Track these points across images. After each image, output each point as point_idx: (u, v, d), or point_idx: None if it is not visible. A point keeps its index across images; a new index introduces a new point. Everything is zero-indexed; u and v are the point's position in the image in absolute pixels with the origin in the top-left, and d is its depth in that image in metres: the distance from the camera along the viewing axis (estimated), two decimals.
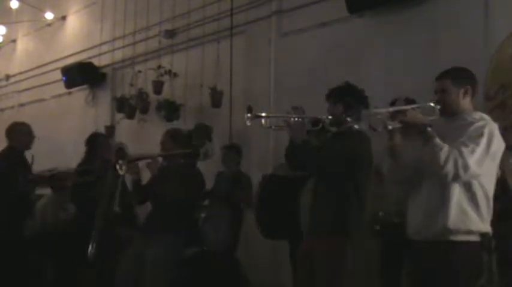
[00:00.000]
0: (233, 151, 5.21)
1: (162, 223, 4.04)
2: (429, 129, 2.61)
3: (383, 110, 2.76)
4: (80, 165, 5.24)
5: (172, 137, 4.30)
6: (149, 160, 4.10)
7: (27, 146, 5.22)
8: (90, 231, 4.50)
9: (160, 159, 4.24)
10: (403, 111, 2.68)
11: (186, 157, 4.24)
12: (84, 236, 4.50)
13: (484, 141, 2.55)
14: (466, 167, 2.50)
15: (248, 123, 3.01)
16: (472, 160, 2.51)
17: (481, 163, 2.54)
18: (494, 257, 3.35)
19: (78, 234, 4.69)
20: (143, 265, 3.97)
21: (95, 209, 4.61)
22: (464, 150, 2.52)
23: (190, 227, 4.40)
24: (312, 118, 3.28)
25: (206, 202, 5.25)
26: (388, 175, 3.01)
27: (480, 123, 2.62)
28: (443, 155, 2.52)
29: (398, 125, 2.71)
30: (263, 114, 3.09)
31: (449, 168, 2.52)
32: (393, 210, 3.69)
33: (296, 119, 3.14)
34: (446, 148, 2.54)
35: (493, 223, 2.74)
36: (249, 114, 3.01)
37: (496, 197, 2.84)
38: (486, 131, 2.57)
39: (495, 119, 2.75)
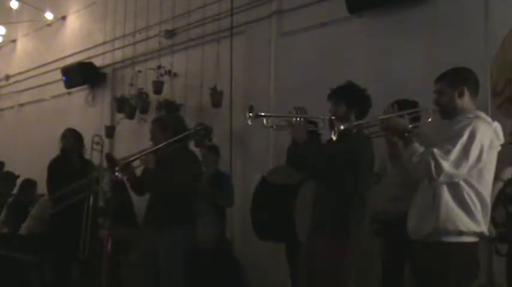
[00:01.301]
0: (212, 151, 5.28)
1: (167, 213, 3.95)
2: (407, 135, 2.63)
3: (369, 120, 2.81)
4: (54, 161, 5.22)
5: (161, 126, 4.19)
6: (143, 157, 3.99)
7: None
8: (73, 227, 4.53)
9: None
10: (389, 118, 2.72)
11: (178, 142, 4.07)
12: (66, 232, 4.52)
13: (461, 141, 2.53)
14: (439, 169, 2.49)
15: (249, 122, 3.01)
16: (447, 162, 2.50)
17: (458, 164, 2.52)
18: (493, 257, 3.37)
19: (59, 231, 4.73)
20: (157, 259, 3.95)
21: (72, 205, 4.62)
22: (437, 152, 2.51)
23: (193, 215, 4.31)
24: (314, 118, 3.28)
25: None
26: (389, 176, 3.03)
27: (465, 122, 2.61)
28: (415, 159, 2.56)
29: (381, 131, 2.77)
30: (265, 113, 3.08)
31: (422, 171, 2.55)
32: (392, 209, 3.69)
33: (298, 119, 3.14)
34: (419, 151, 2.56)
35: (506, 226, 2.75)
36: (250, 114, 3.00)
37: (509, 197, 2.85)
38: (467, 130, 2.55)
39: (503, 115, 2.73)
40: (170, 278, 3.90)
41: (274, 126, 3.25)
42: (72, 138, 5.26)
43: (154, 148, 3.99)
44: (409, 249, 3.21)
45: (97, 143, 4.99)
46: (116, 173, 3.85)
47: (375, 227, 3.82)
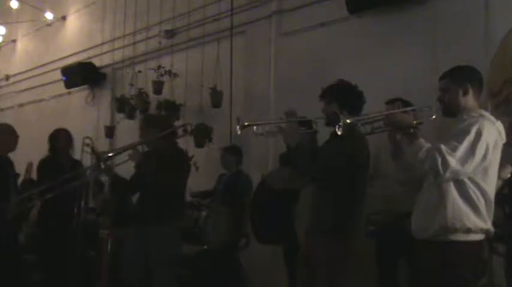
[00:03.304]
0: (231, 152, 5.22)
1: (157, 212, 3.95)
2: (412, 130, 2.63)
3: (375, 114, 2.78)
4: (43, 161, 5.16)
5: (147, 122, 4.23)
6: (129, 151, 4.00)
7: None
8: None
9: (140, 147, 4.18)
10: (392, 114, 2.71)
11: (166, 138, 4.08)
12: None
13: (468, 138, 2.52)
14: (445, 165, 2.48)
15: (239, 132, 3.00)
16: (454, 158, 2.49)
17: (464, 161, 2.51)
18: (494, 257, 3.37)
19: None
20: (147, 259, 3.94)
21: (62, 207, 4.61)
22: (444, 148, 2.50)
23: (183, 213, 4.39)
24: (304, 121, 3.26)
25: (207, 201, 5.27)
26: (394, 175, 3.02)
27: (471, 120, 2.60)
28: (422, 155, 2.54)
29: (386, 128, 2.75)
30: (250, 123, 3.03)
31: (428, 166, 2.53)
32: (385, 210, 3.71)
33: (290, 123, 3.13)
34: (426, 147, 2.56)
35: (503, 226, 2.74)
36: (237, 126, 2.99)
37: (506, 197, 2.83)
38: (474, 128, 2.54)
39: (501, 115, 2.73)
40: (161, 276, 3.91)
41: (265, 133, 3.21)
42: (65, 139, 5.21)
43: (137, 143, 4.01)
44: (407, 249, 3.21)
45: (87, 145, 4.95)
46: (101, 166, 3.83)
47: (369, 228, 3.82)
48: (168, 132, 4.09)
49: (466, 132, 2.54)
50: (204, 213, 4.94)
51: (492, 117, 2.70)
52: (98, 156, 3.85)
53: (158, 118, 4.52)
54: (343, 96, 3.29)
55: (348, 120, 2.67)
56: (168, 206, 3.96)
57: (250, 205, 4.43)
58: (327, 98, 3.32)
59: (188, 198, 5.33)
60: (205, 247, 4.89)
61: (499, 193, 3.14)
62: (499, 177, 2.90)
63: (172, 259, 4.01)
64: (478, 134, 2.53)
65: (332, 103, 3.28)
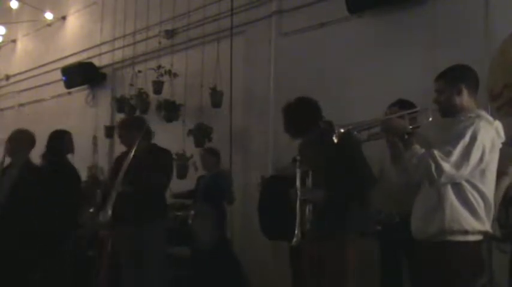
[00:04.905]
0: (209, 154, 5.31)
1: (142, 212, 3.92)
2: (406, 136, 2.64)
3: (370, 121, 2.79)
4: (45, 157, 5.07)
5: (125, 126, 4.22)
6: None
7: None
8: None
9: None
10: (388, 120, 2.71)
11: (145, 138, 4.08)
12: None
13: (463, 142, 2.52)
14: (439, 171, 2.49)
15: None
16: (447, 163, 2.49)
17: (459, 165, 2.51)
18: (493, 257, 3.37)
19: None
20: (137, 259, 3.94)
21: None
22: (438, 153, 2.51)
23: (166, 212, 4.40)
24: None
25: (190, 202, 5.33)
26: (396, 178, 3.02)
27: (467, 123, 2.59)
28: (415, 161, 2.55)
29: (381, 133, 2.75)
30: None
31: (422, 173, 2.55)
32: (395, 210, 3.70)
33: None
34: (420, 153, 2.56)
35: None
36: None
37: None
38: (469, 132, 2.54)
39: (504, 116, 2.72)
40: (146, 274, 3.91)
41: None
42: (69, 142, 5.16)
43: (132, 151, 3.90)
44: (409, 250, 3.20)
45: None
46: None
47: (379, 228, 3.82)
48: (146, 132, 4.09)
49: (461, 135, 2.54)
50: (192, 212, 5.01)
51: (490, 117, 2.70)
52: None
53: (136, 120, 4.48)
54: (304, 118, 3.32)
55: (342, 129, 2.67)
56: (151, 205, 3.97)
57: (258, 201, 4.44)
58: (297, 131, 3.33)
59: (171, 200, 5.34)
60: (193, 247, 4.95)
61: (505, 196, 3.15)
62: (507, 173, 2.90)
63: (161, 257, 4.01)
64: (473, 137, 2.53)
65: (304, 131, 3.30)
